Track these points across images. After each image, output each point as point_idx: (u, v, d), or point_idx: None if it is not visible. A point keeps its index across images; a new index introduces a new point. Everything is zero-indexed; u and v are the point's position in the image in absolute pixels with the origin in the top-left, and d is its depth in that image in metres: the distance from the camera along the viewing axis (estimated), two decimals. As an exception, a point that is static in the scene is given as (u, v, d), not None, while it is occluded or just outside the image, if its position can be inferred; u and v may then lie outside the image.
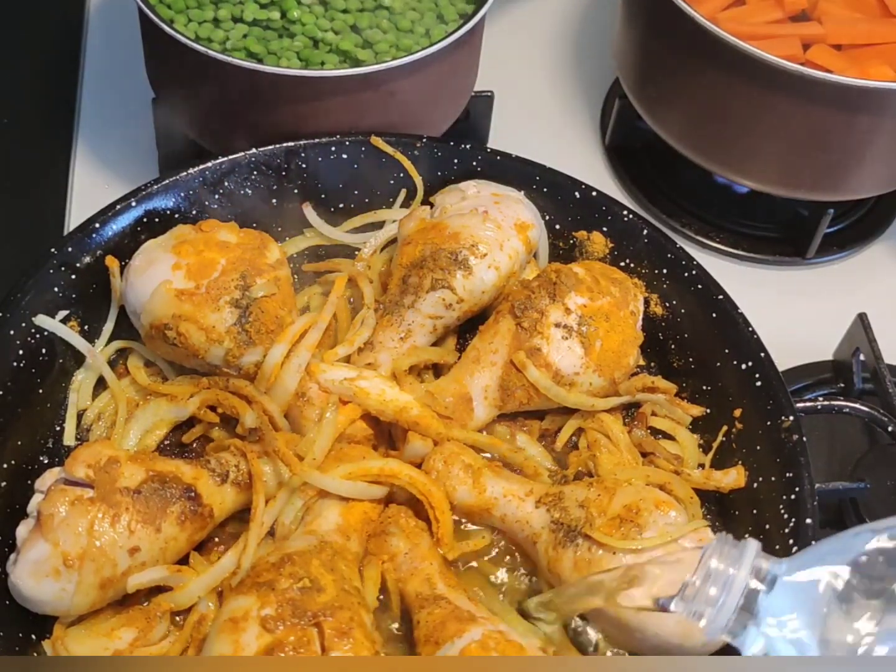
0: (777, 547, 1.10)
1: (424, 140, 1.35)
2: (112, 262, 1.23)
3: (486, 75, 1.52)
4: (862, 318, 1.36)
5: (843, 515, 1.28)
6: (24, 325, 1.18)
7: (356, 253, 1.35)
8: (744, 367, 1.20)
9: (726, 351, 1.22)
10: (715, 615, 0.89)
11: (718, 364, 1.24)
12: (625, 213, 1.32)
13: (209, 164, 1.30)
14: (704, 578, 0.90)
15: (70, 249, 1.22)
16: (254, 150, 1.31)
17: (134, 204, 1.26)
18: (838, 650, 0.84)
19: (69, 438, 1.19)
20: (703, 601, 0.90)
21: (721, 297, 1.24)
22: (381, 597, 1.09)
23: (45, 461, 1.18)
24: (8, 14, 1.74)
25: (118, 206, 1.25)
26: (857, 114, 1.34)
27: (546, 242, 1.33)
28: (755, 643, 0.88)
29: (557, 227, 1.34)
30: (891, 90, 1.32)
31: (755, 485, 1.17)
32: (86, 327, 1.24)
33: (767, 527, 1.13)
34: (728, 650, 1.06)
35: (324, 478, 1.11)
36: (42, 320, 1.19)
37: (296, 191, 1.35)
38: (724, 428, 1.21)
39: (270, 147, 1.32)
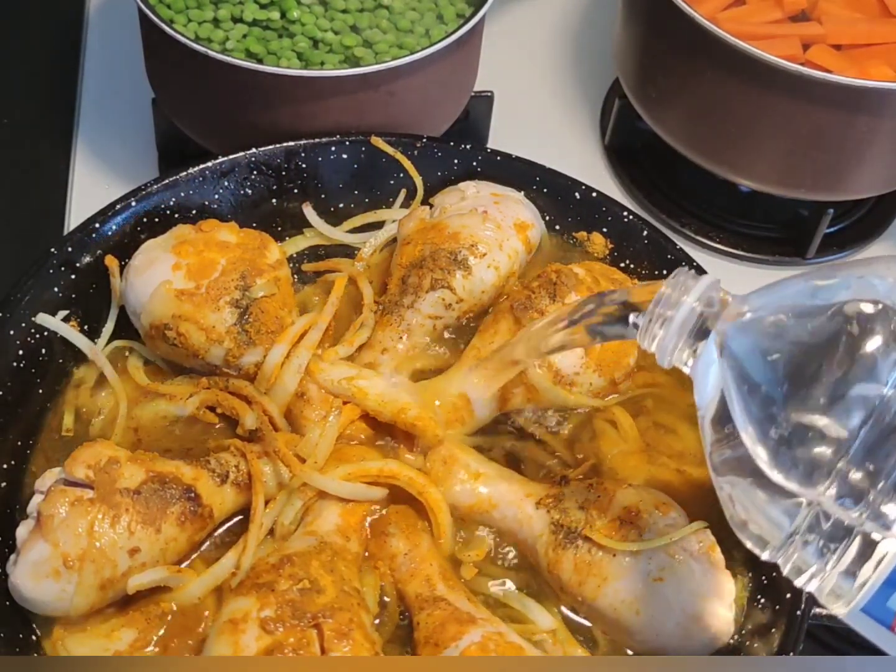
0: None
1: (424, 140, 1.35)
2: (111, 262, 1.23)
3: (486, 75, 1.51)
4: (862, 318, 1.35)
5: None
6: (24, 325, 1.18)
7: (356, 253, 1.35)
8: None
9: (726, 351, 1.22)
10: (664, 336, 0.91)
11: (718, 364, 1.24)
12: (625, 213, 1.32)
13: (209, 164, 1.30)
14: (657, 302, 0.92)
15: (70, 249, 1.22)
16: (254, 150, 1.31)
17: (134, 204, 1.26)
18: (793, 394, 0.83)
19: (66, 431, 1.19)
20: (656, 323, 0.92)
21: (721, 297, 1.24)
22: (386, 598, 1.10)
23: (45, 461, 1.18)
24: (8, 14, 1.74)
25: (118, 206, 1.25)
26: (857, 114, 1.34)
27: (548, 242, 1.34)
28: (708, 373, 0.88)
29: (557, 227, 1.35)
30: (891, 90, 1.32)
31: (755, 485, 1.17)
32: (86, 327, 1.24)
33: (767, 527, 1.13)
34: (726, 653, 1.07)
35: (323, 479, 1.11)
36: (44, 319, 1.19)
37: (296, 191, 1.35)
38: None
39: (270, 147, 1.32)
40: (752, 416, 0.84)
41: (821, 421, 0.81)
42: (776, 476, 0.82)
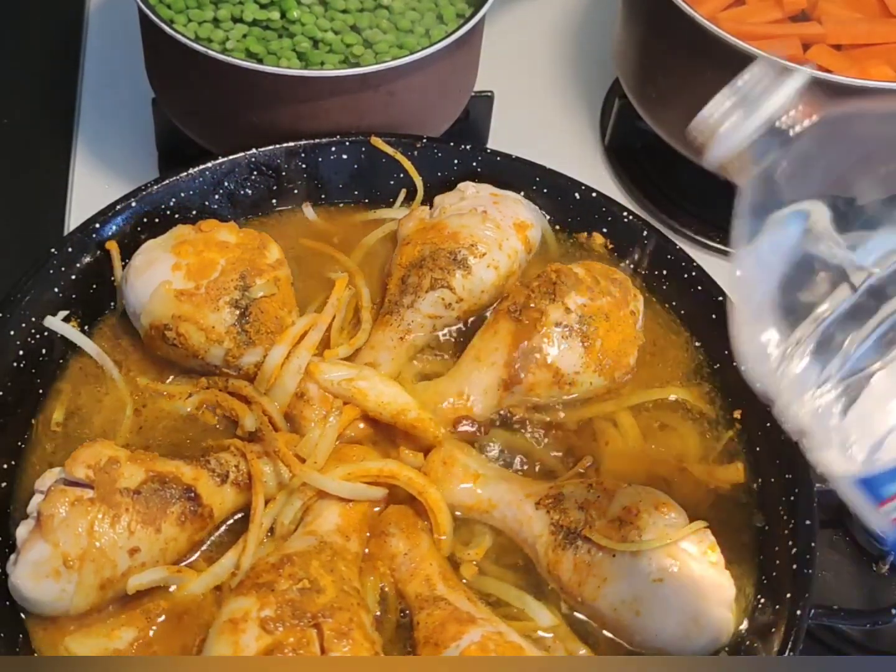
0: (776, 548, 1.10)
1: (424, 140, 1.35)
2: (112, 245, 1.23)
3: (486, 75, 1.52)
4: (862, 318, 1.35)
5: (842, 516, 1.27)
6: (24, 325, 1.18)
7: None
8: (744, 368, 1.20)
9: (726, 352, 1.22)
10: (733, 125, 0.84)
11: (718, 365, 1.24)
12: (625, 213, 1.32)
13: (209, 164, 1.30)
14: (729, 92, 0.85)
15: (70, 249, 1.22)
16: (254, 150, 1.32)
17: (134, 204, 1.26)
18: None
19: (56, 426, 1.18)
20: (726, 112, 0.85)
21: (721, 298, 1.24)
22: (386, 589, 1.10)
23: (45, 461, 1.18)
24: (7, 14, 1.74)
25: (118, 206, 1.26)
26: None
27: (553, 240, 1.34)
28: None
29: (557, 227, 1.35)
30: (891, 90, 1.32)
31: (755, 486, 1.17)
32: (86, 327, 1.24)
33: (767, 528, 1.13)
34: (726, 653, 1.07)
35: (323, 479, 1.11)
36: (50, 321, 1.19)
37: (296, 191, 1.35)
38: (729, 433, 1.21)
39: (270, 147, 1.32)
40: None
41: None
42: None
